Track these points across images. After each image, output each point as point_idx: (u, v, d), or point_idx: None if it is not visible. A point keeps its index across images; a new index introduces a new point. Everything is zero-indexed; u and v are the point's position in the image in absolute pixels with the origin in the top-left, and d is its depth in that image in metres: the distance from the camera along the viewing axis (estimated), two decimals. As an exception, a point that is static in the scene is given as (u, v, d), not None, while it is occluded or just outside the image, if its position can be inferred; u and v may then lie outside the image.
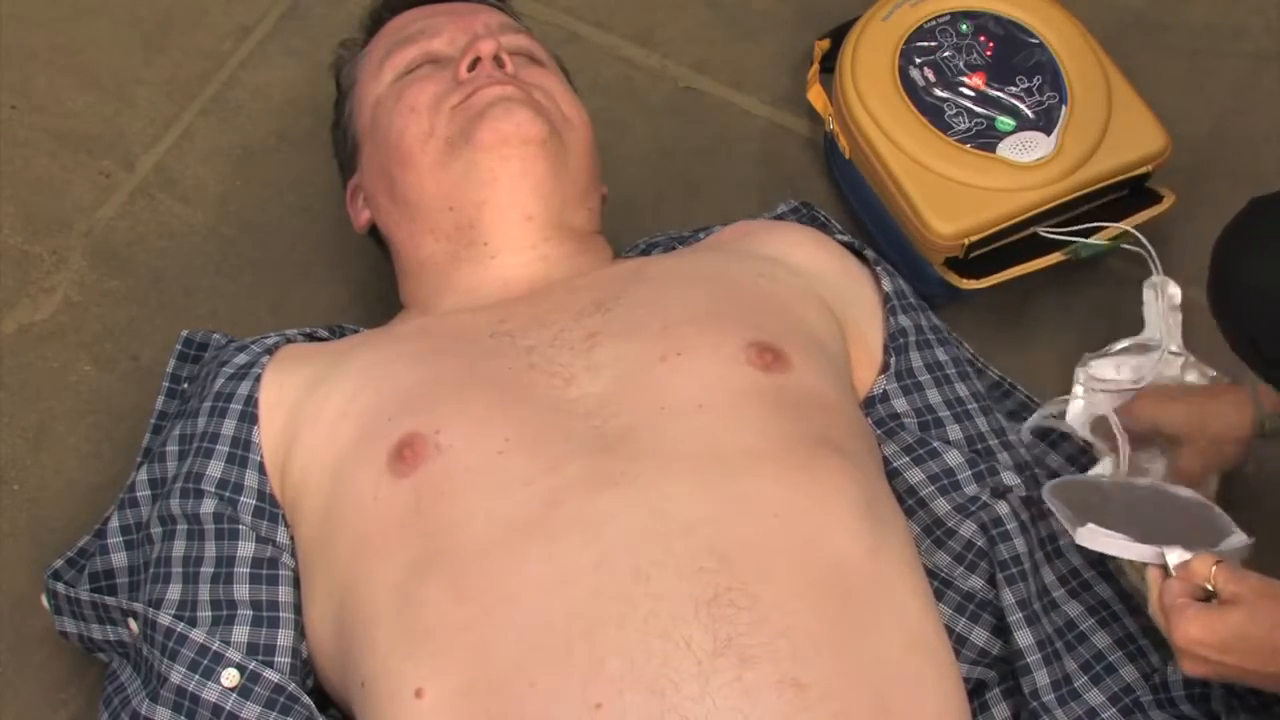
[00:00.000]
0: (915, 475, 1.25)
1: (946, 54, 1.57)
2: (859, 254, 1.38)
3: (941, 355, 1.33)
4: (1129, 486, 1.26)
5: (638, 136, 1.71)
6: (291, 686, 1.14)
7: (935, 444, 1.26)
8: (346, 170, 1.43)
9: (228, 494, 1.21)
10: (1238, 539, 1.15)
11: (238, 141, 1.70)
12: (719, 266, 1.31)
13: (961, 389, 1.32)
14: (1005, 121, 1.52)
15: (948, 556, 1.23)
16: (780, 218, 1.42)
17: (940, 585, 1.23)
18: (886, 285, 1.33)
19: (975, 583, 1.23)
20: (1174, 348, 1.40)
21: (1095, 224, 1.50)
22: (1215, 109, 1.70)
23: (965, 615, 1.23)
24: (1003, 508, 1.23)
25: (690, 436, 1.12)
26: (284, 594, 1.18)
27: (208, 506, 1.20)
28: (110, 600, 1.23)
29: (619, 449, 1.11)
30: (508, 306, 1.26)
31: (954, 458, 1.26)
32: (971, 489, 1.25)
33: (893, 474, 1.26)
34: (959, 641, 1.22)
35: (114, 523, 1.27)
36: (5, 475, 1.47)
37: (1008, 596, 1.20)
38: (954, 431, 1.28)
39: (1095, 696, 1.19)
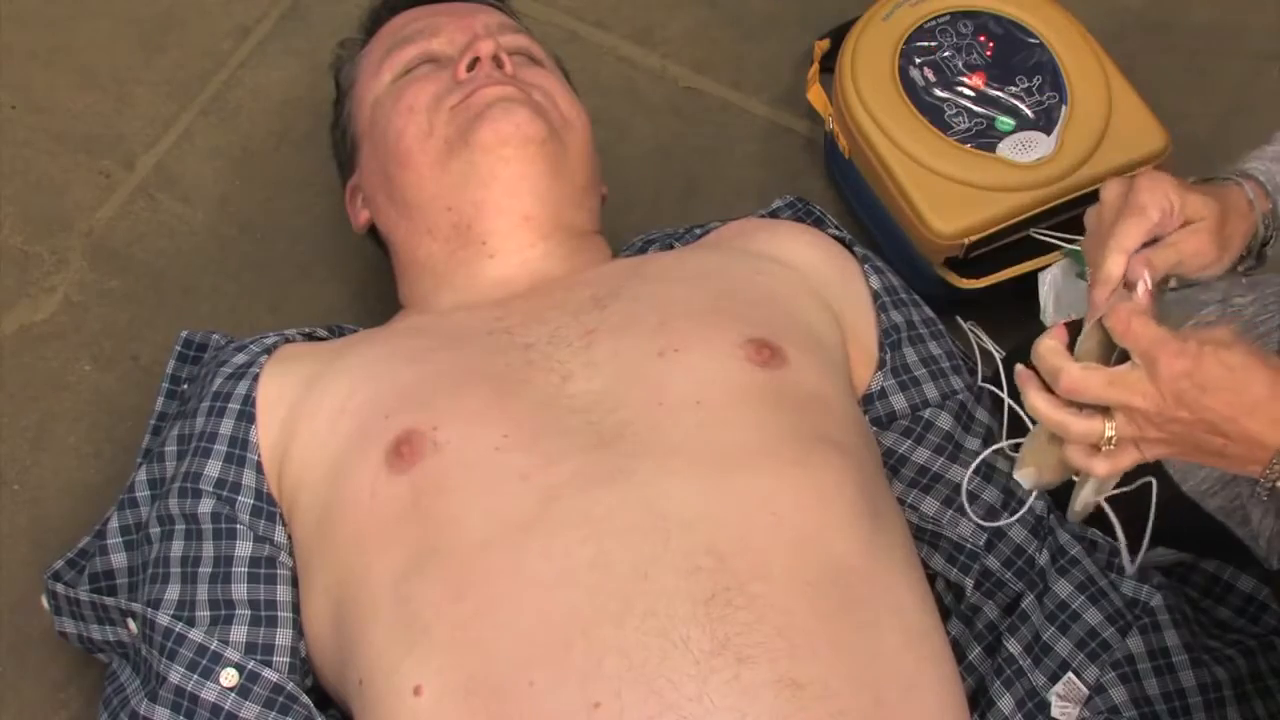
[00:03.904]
0: (917, 452, 1.27)
1: (946, 54, 1.57)
2: (850, 249, 1.38)
3: (935, 349, 1.33)
4: None
5: (638, 136, 1.71)
6: (290, 686, 1.14)
7: (926, 414, 1.28)
8: (346, 170, 1.43)
9: (225, 493, 1.21)
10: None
11: (238, 141, 1.70)
12: (717, 263, 1.31)
13: (956, 381, 1.32)
14: (1005, 121, 1.52)
15: (936, 502, 1.24)
16: (775, 213, 1.42)
17: (932, 537, 1.24)
18: (874, 282, 1.33)
19: (965, 529, 1.23)
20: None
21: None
22: (1215, 109, 1.70)
23: (956, 566, 1.24)
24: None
25: (687, 433, 1.12)
26: (282, 593, 1.18)
27: (206, 506, 1.20)
28: (109, 600, 1.23)
29: (616, 445, 1.11)
30: (506, 304, 1.26)
31: (945, 420, 1.27)
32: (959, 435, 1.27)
33: (889, 454, 1.27)
34: (956, 596, 1.24)
35: (114, 523, 1.27)
36: (5, 475, 1.47)
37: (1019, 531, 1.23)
38: (946, 421, 1.29)
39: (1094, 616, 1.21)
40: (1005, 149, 1.51)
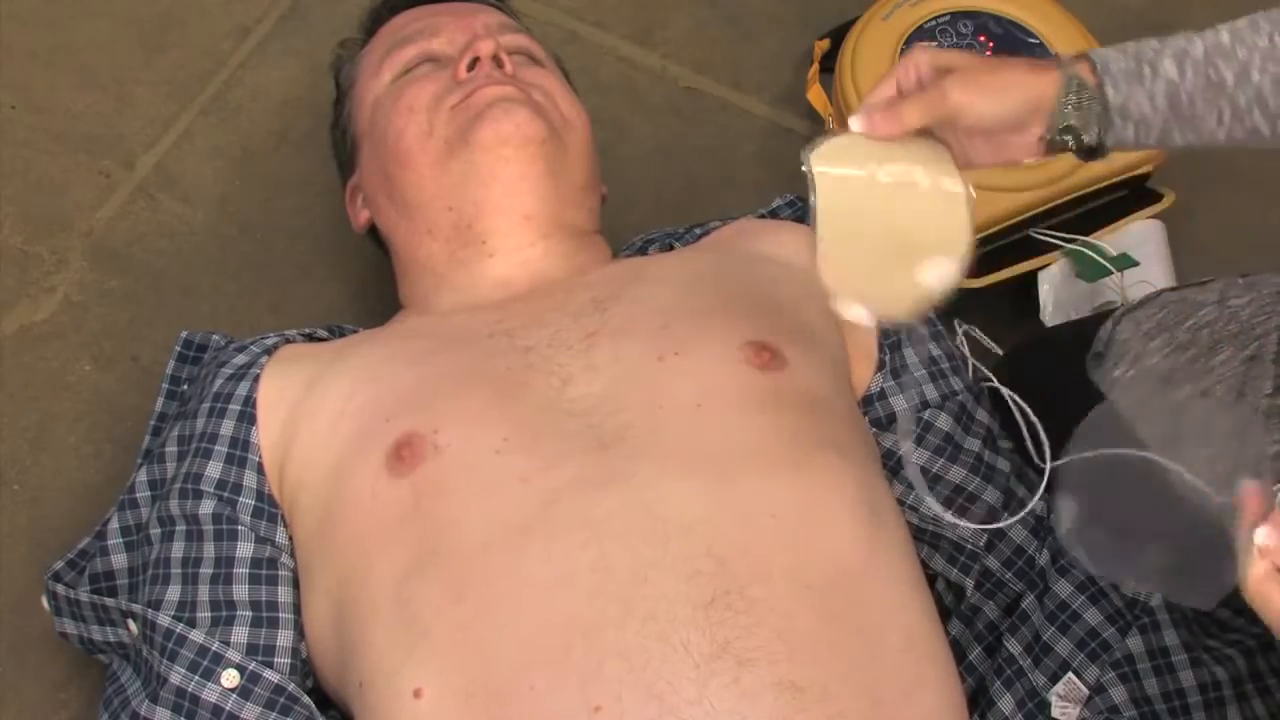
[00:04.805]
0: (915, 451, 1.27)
1: (946, 54, 1.56)
2: None
3: (935, 350, 1.32)
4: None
5: (638, 136, 1.71)
6: (291, 687, 1.14)
7: (925, 415, 1.28)
8: (346, 170, 1.43)
9: (226, 494, 1.21)
10: None
11: (238, 141, 1.70)
12: (717, 265, 1.31)
13: (956, 382, 1.32)
14: (1005, 121, 1.52)
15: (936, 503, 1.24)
16: (775, 213, 1.42)
17: (932, 538, 1.25)
18: None
19: (965, 530, 1.23)
20: None
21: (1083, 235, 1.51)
22: (1215, 109, 1.70)
23: (957, 566, 1.24)
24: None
25: (687, 436, 1.12)
26: (283, 594, 1.18)
27: (206, 507, 1.20)
28: (110, 601, 1.23)
29: (616, 448, 1.11)
30: (506, 306, 1.26)
31: (945, 421, 1.27)
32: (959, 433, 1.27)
33: (889, 455, 1.27)
34: (956, 596, 1.25)
35: (114, 524, 1.27)
36: (5, 475, 1.47)
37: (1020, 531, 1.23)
38: (946, 422, 1.28)
39: (1093, 615, 1.20)
40: (1005, 149, 1.51)
